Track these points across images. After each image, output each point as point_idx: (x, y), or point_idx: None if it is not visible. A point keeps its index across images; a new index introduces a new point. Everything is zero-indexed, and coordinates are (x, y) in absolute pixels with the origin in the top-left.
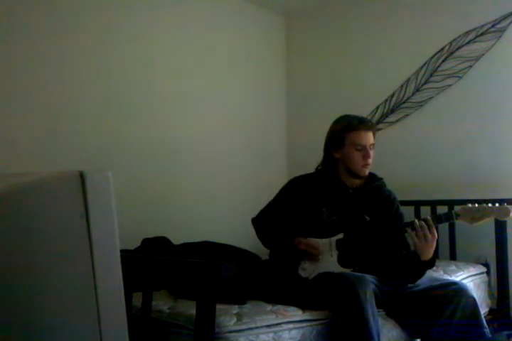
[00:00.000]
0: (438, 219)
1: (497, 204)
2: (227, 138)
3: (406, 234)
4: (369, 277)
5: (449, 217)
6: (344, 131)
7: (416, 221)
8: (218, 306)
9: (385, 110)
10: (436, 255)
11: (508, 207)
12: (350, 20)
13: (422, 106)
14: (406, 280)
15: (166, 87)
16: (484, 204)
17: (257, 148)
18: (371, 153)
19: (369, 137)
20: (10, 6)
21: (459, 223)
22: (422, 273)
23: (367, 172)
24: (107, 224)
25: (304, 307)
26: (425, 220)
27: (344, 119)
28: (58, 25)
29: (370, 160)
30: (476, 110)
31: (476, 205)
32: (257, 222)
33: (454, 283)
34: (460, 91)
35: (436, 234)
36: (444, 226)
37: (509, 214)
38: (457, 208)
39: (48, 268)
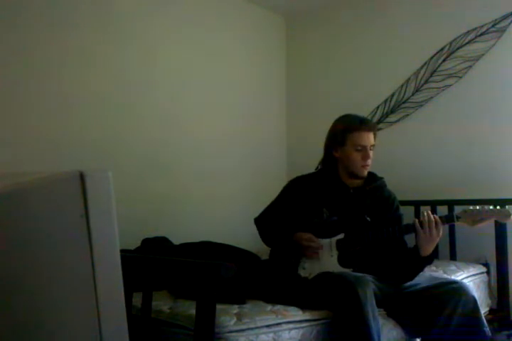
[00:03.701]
0: None
1: (498, 207)
2: (226, 138)
3: (409, 234)
4: (369, 277)
5: (449, 219)
6: (346, 131)
7: (425, 213)
8: (218, 306)
9: (385, 110)
10: (436, 253)
11: (509, 209)
12: (351, 20)
13: (422, 106)
14: (404, 277)
15: (165, 87)
16: (485, 207)
17: (257, 148)
18: (371, 154)
19: (370, 138)
20: (8, 4)
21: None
22: (421, 269)
23: (365, 173)
24: (107, 224)
25: (303, 307)
26: (434, 217)
27: (346, 119)
28: (58, 24)
29: (369, 161)
30: (476, 110)
31: (477, 207)
32: (259, 221)
33: (454, 282)
34: (460, 91)
35: (440, 231)
36: (445, 226)
37: (510, 217)
38: (458, 210)
39: (47, 268)
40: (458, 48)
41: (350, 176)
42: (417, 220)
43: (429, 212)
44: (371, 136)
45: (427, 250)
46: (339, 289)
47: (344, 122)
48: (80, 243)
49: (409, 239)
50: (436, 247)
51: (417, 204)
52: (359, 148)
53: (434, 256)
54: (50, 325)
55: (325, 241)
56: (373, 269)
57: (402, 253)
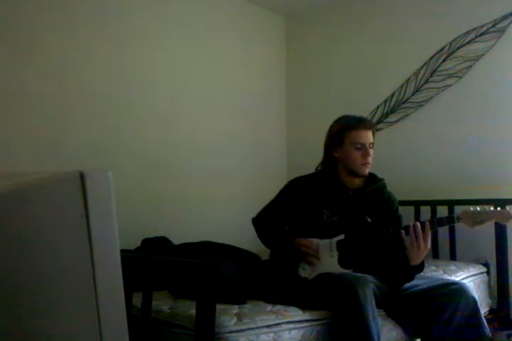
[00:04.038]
0: (440, 222)
1: (498, 208)
2: (226, 138)
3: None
4: (369, 277)
5: (450, 221)
6: (344, 130)
7: (411, 226)
8: (218, 306)
9: (385, 110)
10: (435, 253)
11: (510, 211)
12: (351, 20)
13: (422, 106)
14: (396, 283)
15: (165, 87)
16: (486, 208)
17: (257, 148)
18: (371, 152)
19: (368, 136)
20: (8, 4)
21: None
22: (410, 278)
23: (367, 171)
24: (107, 224)
25: (304, 307)
26: (423, 225)
27: (344, 119)
28: (57, 24)
29: (369, 159)
30: (476, 110)
31: (478, 208)
32: (257, 221)
33: (455, 283)
34: (460, 91)
35: (429, 243)
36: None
37: (510, 218)
38: (458, 211)
39: (47, 268)
40: (458, 48)
41: (351, 175)
42: (403, 232)
43: (418, 229)
44: (369, 134)
45: (416, 260)
46: (339, 290)
47: (342, 122)
48: (80, 243)
49: None
50: (436, 247)
51: (417, 204)
52: (358, 146)
53: (423, 265)
54: (50, 324)
55: (325, 242)
56: (374, 270)
57: (395, 259)
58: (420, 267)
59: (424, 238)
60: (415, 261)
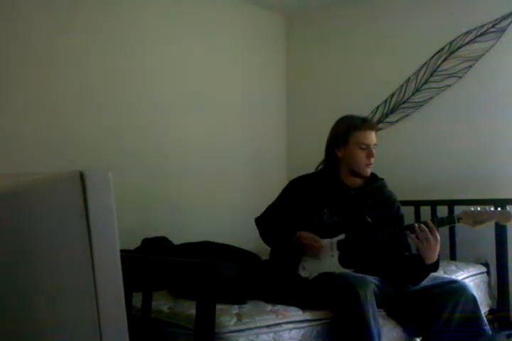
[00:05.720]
0: (440, 222)
1: (499, 208)
2: (226, 138)
3: (408, 237)
4: (370, 277)
5: (451, 221)
6: (349, 130)
7: (416, 224)
8: (218, 306)
9: (385, 110)
10: (438, 260)
11: (510, 211)
12: (351, 20)
13: (422, 106)
14: (409, 282)
15: (165, 87)
16: (486, 208)
17: (257, 148)
18: (374, 152)
19: (373, 136)
20: (9, 5)
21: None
22: (426, 276)
23: (369, 171)
24: (107, 224)
25: (304, 307)
26: (425, 223)
27: (348, 118)
28: (57, 25)
29: (373, 160)
30: (475, 110)
31: (478, 208)
32: (260, 221)
33: (454, 281)
34: (460, 92)
35: (438, 237)
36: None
37: (511, 219)
38: (459, 211)
39: (47, 268)
40: (458, 48)
41: (353, 175)
42: (409, 232)
43: (423, 226)
44: (373, 134)
45: (431, 258)
46: (340, 290)
47: (347, 122)
48: (80, 243)
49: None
50: None
51: (417, 204)
52: (363, 146)
53: (438, 263)
54: (49, 324)
55: (326, 242)
56: (374, 270)
57: (408, 258)
58: (435, 265)
59: (432, 232)
60: (430, 259)
